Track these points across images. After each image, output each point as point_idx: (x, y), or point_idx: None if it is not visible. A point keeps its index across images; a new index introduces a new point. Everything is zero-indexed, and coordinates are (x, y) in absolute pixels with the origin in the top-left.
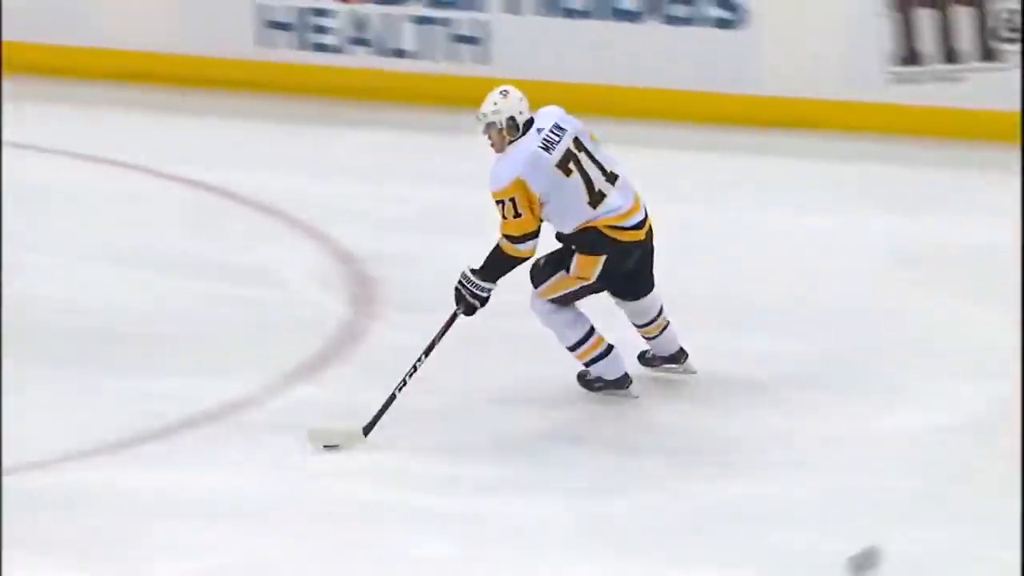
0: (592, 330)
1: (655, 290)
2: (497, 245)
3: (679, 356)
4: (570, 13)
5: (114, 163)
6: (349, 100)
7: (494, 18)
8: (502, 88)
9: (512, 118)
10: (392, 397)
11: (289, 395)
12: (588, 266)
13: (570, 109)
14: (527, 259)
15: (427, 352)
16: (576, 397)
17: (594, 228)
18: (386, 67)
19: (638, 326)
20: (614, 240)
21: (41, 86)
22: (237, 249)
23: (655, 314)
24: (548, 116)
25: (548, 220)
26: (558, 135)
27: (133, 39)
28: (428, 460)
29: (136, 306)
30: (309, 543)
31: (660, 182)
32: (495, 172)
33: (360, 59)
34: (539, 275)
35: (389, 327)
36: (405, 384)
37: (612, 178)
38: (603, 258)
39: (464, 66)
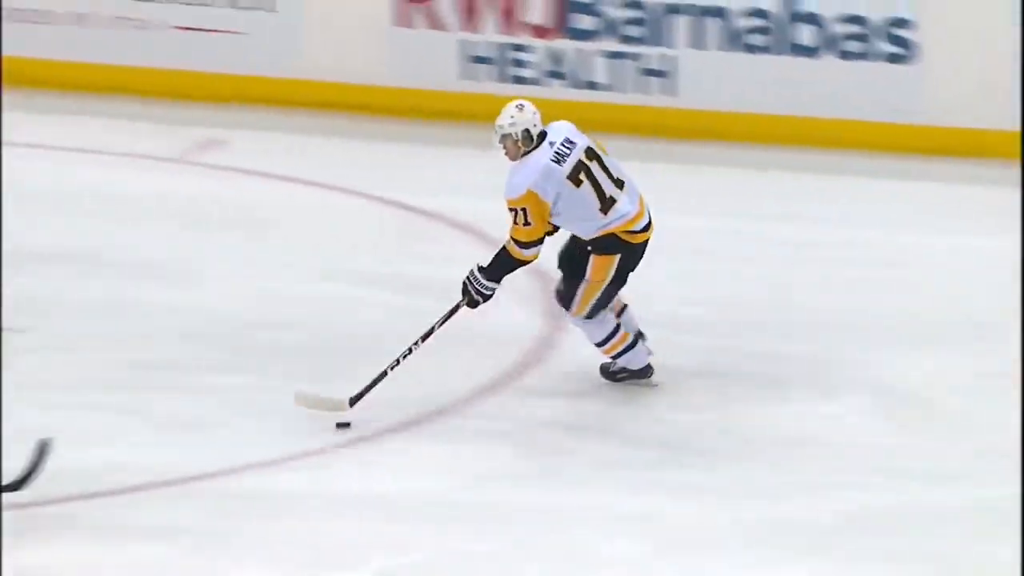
0: (618, 326)
1: None
2: (504, 247)
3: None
4: (751, 49)
5: (325, 187)
6: None
7: (681, 53)
8: (518, 102)
9: (527, 130)
10: (383, 374)
11: (489, 403)
12: (604, 266)
13: (750, 138)
14: (529, 263)
15: (424, 337)
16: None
17: (611, 234)
18: (579, 98)
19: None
20: (628, 243)
21: (258, 115)
22: (439, 267)
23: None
24: (560, 130)
25: (562, 226)
26: (569, 148)
27: (345, 71)
28: (606, 464)
29: (345, 320)
30: (504, 542)
31: (835, 207)
32: (510, 182)
33: (556, 91)
34: (566, 298)
35: (581, 340)
36: (398, 363)
37: (620, 184)
38: (617, 257)
39: (652, 97)
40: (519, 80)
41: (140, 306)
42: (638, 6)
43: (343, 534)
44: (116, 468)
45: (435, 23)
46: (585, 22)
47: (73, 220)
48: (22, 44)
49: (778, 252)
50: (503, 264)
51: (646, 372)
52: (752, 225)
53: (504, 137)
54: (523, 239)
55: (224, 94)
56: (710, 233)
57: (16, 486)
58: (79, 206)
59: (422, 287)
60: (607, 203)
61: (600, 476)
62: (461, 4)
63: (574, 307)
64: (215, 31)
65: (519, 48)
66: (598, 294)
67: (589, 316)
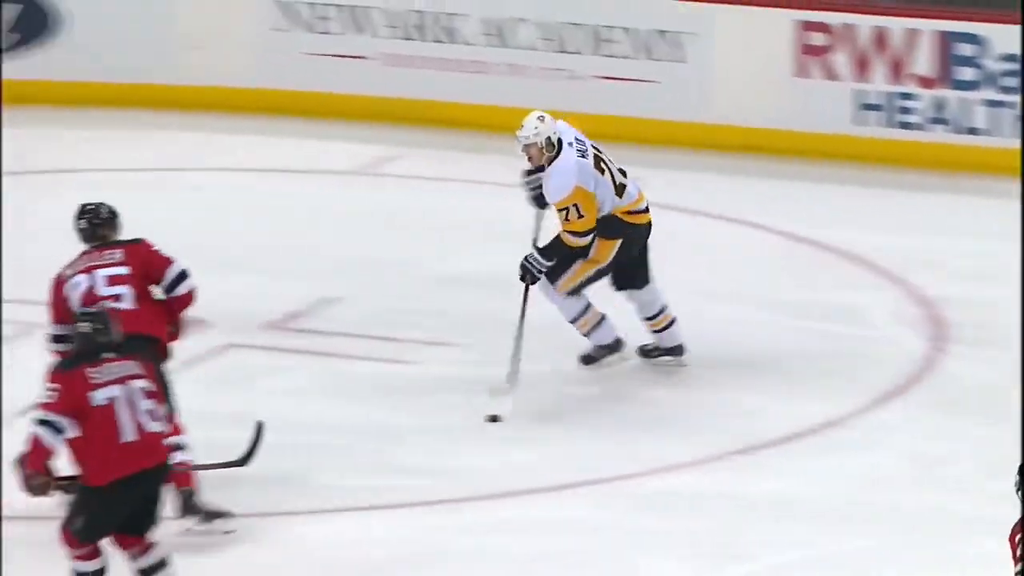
0: (588, 304)
1: (654, 283)
2: (559, 237)
3: (678, 350)
4: None
5: (731, 220)
6: (929, 171)
7: None
8: (538, 114)
9: (549, 138)
10: (515, 371)
11: (872, 417)
12: (606, 249)
13: None
14: (583, 248)
15: (520, 332)
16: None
17: (614, 216)
18: (960, 142)
19: (647, 319)
20: (631, 224)
21: (670, 155)
22: (830, 292)
23: (659, 308)
24: (567, 130)
25: None
26: (583, 144)
27: (748, 117)
28: (983, 471)
29: (747, 340)
30: (886, 542)
31: None
32: (554, 186)
33: (939, 135)
34: (555, 272)
35: (961, 363)
36: (520, 360)
37: (623, 173)
38: (619, 241)
39: None
40: (905, 126)
41: (537, 327)
42: (1014, 59)
43: (737, 532)
44: (516, 468)
45: (831, 74)
46: (967, 73)
47: (479, 246)
48: (464, 91)
49: None
50: (560, 251)
51: (618, 345)
52: None
53: (528, 146)
54: (579, 229)
55: (640, 136)
56: None
57: (241, 462)
58: (493, 235)
59: (811, 308)
60: (619, 188)
61: (974, 483)
62: (854, 57)
63: (560, 282)
64: (632, 80)
65: (906, 96)
66: (588, 274)
67: (571, 293)
